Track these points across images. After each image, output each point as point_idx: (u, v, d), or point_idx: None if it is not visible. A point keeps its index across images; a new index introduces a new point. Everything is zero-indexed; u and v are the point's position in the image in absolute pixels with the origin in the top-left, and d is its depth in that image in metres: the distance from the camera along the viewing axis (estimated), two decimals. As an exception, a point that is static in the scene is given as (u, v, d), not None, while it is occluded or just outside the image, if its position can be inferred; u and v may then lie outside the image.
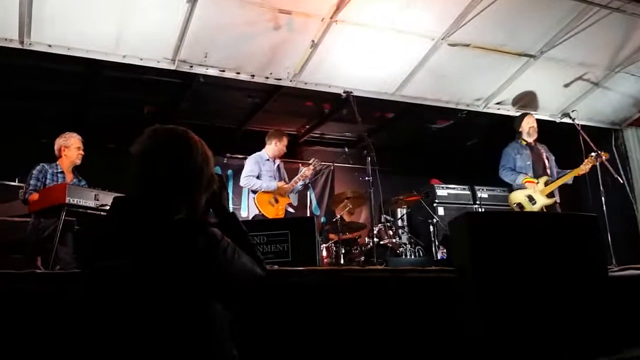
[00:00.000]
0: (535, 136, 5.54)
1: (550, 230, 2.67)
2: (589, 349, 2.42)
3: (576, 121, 5.31)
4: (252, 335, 2.01)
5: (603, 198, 5.03)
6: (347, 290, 2.53)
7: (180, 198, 1.67)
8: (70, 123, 6.50)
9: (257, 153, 5.88)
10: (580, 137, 5.21)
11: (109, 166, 6.84)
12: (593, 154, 5.11)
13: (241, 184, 5.71)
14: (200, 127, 7.22)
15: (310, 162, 5.96)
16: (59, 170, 4.79)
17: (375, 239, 5.34)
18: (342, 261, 5.75)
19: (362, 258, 5.80)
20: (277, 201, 5.63)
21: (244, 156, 7.85)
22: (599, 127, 7.12)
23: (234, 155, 7.81)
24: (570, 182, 5.26)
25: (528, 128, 5.53)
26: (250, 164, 5.74)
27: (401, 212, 6.86)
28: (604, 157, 5.15)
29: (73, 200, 4.03)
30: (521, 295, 2.43)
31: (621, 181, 5.00)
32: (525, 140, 5.55)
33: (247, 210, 5.87)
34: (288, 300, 2.36)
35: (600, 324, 2.52)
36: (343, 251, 5.83)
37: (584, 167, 5.07)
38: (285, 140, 5.90)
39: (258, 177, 5.67)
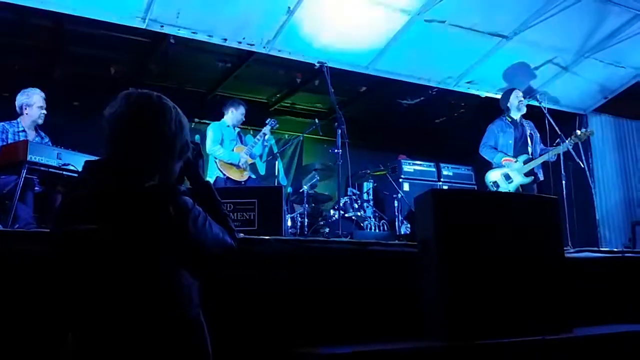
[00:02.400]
0: (524, 110, 5.59)
1: (511, 210, 2.73)
2: (541, 327, 2.50)
3: (542, 104, 5.39)
4: (219, 302, 2.02)
5: (564, 182, 5.15)
6: (313, 261, 2.55)
7: (153, 164, 1.64)
8: (35, 78, 6.30)
9: (217, 122, 6.00)
10: (546, 120, 5.30)
11: (73, 124, 6.72)
12: (578, 131, 5.20)
13: (207, 151, 5.73)
14: (169, 90, 7.12)
15: (266, 121, 6.04)
16: (20, 129, 4.65)
17: (341, 212, 5.38)
18: (307, 232, 5.78)
19: (327, 230, 5.84)
20: (240, 163, 5.73)
21: (212, 121, 7.78)
22: (564, 112, 7.26)
23: (202, 121, 7.69)
24: (554, 159, 5.33)
25: (517, 102, 5.57)
26: (214, 131, 5.84)
27: (367, 186, 6.91)
28: (589, 134, 5.27)
29: (35, 158, 3.91)
30: (480, 270, 2.50)
31: (582, 166, 5.12)
32: (511, 117, 5.60)
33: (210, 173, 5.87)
34: (254, 269, 2.37)
35: (554, 303, 2.61)
36: (308, 222, 5.86)
37: (567, 145, 5.14)
38: (242, 109, 5.98)
39: (221, 144, 5.76)
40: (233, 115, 5.93)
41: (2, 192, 4.17)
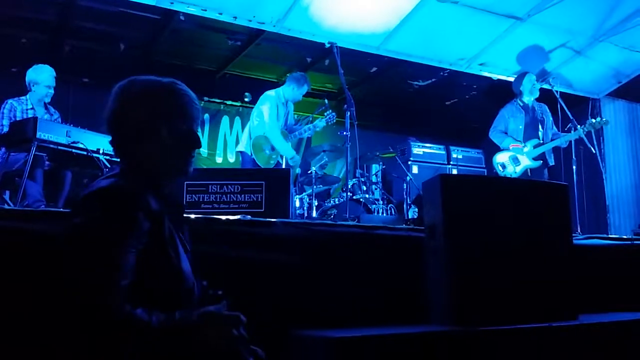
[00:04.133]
0: (537, 94, 5.55)
1: (520, 196, 2.71)
2: (547, 313, 2.50)
3: (555, 88, 5.33)
4: (224, 283, 2.03)
5: (574, 167, 5.11)
6: (319, 244, 2.55)
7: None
8: (44, 53, 6.29)
9: (274, 94, 5.48)
10: (559, 104, 5.24)
11: (82, 101, 6.73)
12: (593, 119, 5.15)
13: (267, 127, 5.29)
14: (178, 68, 7.17)
15: (326, 114, 5.65)
16: (29, 107, 4.64)
17: (349, 194, 5.37)
18: (314, 214, 5.78)
19: (335, 212, 5.84)
20: (272, 149, 5.37)
21: (222, 100, 7.76)
22: (576, 95, 7.18)
23: (211, 99, 7.68)
24: (565, 145, 5.29)
25: (530, 86, 5.53)
26: (270, 108, 5.33)
27: (376, 168, 6.89)
28: (603, 123, 5.23)
29: (44, 136, 3.92)
30: (487, 256, 2.49)
31: (593, 151, 5.08)
32: (523, 102, 5.56)
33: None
34: (260, 251, 2.37)
35: (560, 290, 2.60)
36: (316, 204, 5.86)
37: (580, 132, 5.09)
38: (305, 89, 5.53)
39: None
40: (293, 92, 5.47)
41: (11, 169, 4.20)
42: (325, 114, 5.66)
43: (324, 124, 5.65)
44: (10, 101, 4.62)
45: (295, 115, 5.78)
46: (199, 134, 1.63)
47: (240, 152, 5.56)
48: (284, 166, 5.42)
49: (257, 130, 5.35)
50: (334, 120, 5.69)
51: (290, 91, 5.50)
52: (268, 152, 5.38)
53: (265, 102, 5.38)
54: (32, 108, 4.65)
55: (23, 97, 4.68)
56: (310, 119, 5.67)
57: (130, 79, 1.62)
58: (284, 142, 5.37)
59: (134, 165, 1.57)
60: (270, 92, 5.51)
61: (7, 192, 4.46)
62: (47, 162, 4.32)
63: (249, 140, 5.40)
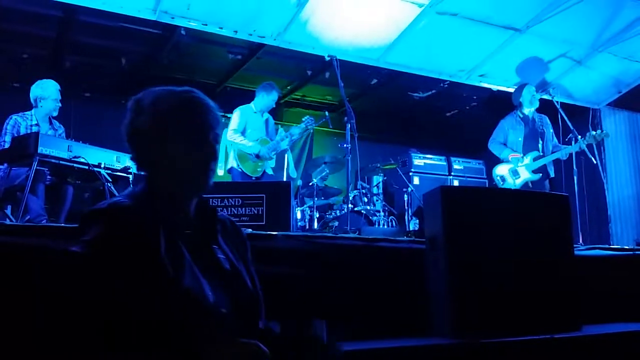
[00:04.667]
0: (537, 105, 5.54)
1: (521, 207, 2.71)
2: (550, 325, 2.49)
3: (555, 98, 5.34)
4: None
5: (575, 177, 5.11)
6: (321, 256, 2.55)
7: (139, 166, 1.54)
8: (45, 68, 6.34)
9: (245, 105, 5.73)
10: (559, 114, 5.25)
11: (83, 115, 6.76)
12: (594, 132, 5.16)
13: (227, 137, 5.54)
14: (179, 82, 7.03)
15: (303, 119, 5.73)
16: (34, 123, 4.64)
17: (350, 205, 5.37)
18: (315, 226, 5.78)
19: (336, 224, 5.84)
20: (257, 157, 5.52)
21: (222, 113, 7.76)
22: (577, 105, 7.19)
23: (212, 112, 7.69)
24: (565, 157, 5.29)
25: (530, 97, 5.53)
26: (238, 117, 5.60)
27: (377, 179, 6.90)
28: (604, 136, 5.23)
29: (45, 151, 3.93)
30: (488, 268, 2.48)
31: (594, 161, 5.07)
32: (523, 114, 5.55)
33: (224, 163, 5.70)
34: (261, 264, 2.37)
35: (563, 301, 2.59)
36: (317, 216, 5.85)
37: (581, 145, 5.09)
38: (274, 95, 5.71)
39: (243, 132, 5.56)
40: (263, 100, 5.65)
41: (13, 184, 4.21)
42: (303, 119, 5.73)
43: (300, 130, 5.72)
44: (14, 117, 4.62)
45: (313, 126, 5.80)
46: (217, 144, 1.53)
47: (229, 169, 5.67)
48: (270, 173, 5.65)
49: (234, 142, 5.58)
50: (314, 125, 5.76)
51: (260, 100, 5.68)
52: (253, 160, 5.52)
53: (234, 114, 5.64)
54: (36, 124, 4.65)
55: (28, 113, 4.68)
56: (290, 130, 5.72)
57: (145, 90, 1.56)
58: (247, 144, 5.50)
59: (150, 180, 1.52)
60: (241, 106, 5.72)
61: (9, 207, 4.47)
62: (48, 177, 4.32)
63: (234, 155, 5.54)
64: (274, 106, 5.85)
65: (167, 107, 1.49)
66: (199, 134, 1.50)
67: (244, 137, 5.54)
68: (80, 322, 1.28)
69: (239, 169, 5.48)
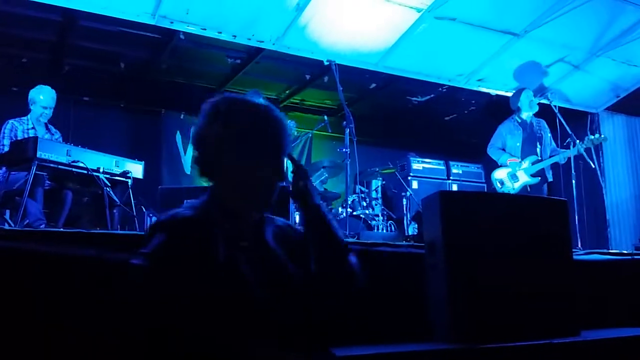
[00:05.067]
0: (536, 109, 5.55)
1: (520, 212, 2.71)
2: (549, 330, 2.49)
3: (553, 102, 5.35)
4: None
5: (574, 182, 5.12)
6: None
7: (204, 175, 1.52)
8: (44, 72, 6.35)
9: None
10: (557, 119, 5.26)
11: (83, 119, 6.77)
12: (592, 136, 5.17)
13: None
14: (178, 86, 7.21)
15: None
16: (30, 126, 4.67)
17: (349, 210, 5.37)
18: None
19: (335, 227, 5.82)
20: None
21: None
22: (575, 110, 7.21)
23: (211, 117, 7.70)
24: (564, 162, 5.30)
25: (528, 102, 5.53)
26: None
27: (376, 183, 6.90)
28: (602, 140, 5.24)
29: (44, 155, 3.93)
30: (487, 273, 2.48)
31: (593, 166, 5.09)
32: (521, 118, 5.56)
33: None
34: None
35: (562, 306, 2.59)
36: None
37: (579, 149, 5.09)
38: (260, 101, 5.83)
39: None
40: None
41: (12, 188, 4.21)
42: None
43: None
44: (11, 121, 4.64)
45: (296, 132, 5.84)
46: (284, 163, 1.52)
47: None
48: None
49: None
50: (294, 130, 5.77)
51: None
52: None
53: None
54: (32, 128, 4.68)
55: (24, 117, 4.71)
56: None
57: (223, 96, 1.55)
58: None
59: (213, 191, 1.50)
60: None
61: (7, 211, 4.47)
62: (47, 182, 4.33)
63: None
64: None
65: (243, 119, 1.46)
66: (270, 150, 1.48)
67: None
68: (142, 331, 1.30)
69: None
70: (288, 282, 1.46)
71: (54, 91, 4.81)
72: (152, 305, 1.27)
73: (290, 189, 1.57)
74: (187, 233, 1.35)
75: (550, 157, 5.40)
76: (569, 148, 5.18)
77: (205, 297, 1.28)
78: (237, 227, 1.46)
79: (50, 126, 4.86)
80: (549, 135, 5.58)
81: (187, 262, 1.30)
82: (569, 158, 5.20)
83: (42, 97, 4.74)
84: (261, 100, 1.54)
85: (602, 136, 5.29)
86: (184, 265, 1.30)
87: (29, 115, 4.73)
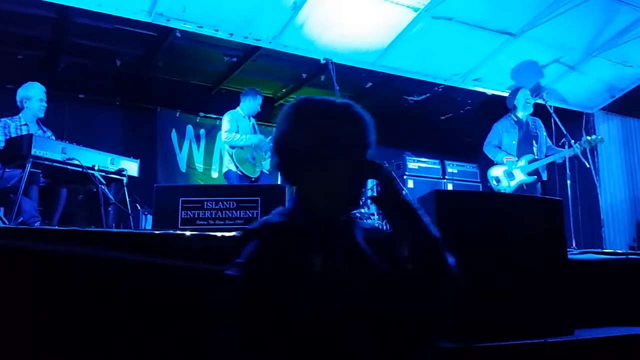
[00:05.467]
0: (531, 109, 5.56)
1: (515, 211, 2.72)
2: (543, 329, 2.50)
3: (548, 103, 5.37)
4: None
5: (569, 181, 5.13)
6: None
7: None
8: (39, 69, 6.32)
9: (232, 110, 5.86)
10: (552, 119, 5.28)
11: (78, 117, 6.74)
12: (589, 137, 5.18)
13: (223, 139, 5.71)
14: (174, 84, 7.19)
15: None
16: (22, 123, 4.65)
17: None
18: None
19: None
20: (254, 158, 5.67)
21: (218, 116, 7.78)
22: (570, 110, 7.23)
23: (207, 115, 7.69)
24: (560, 161, 5.31)
25: (524, 101, 5.54)
26: (228, 120, 5.73)
27: (371, 182, 6.87)
28: (599, 141, 5.26)
29: (39, 153, 3.92)
30: (482, 272, 2.49)
31: (587, 165, 5.10)
32: (517, 117, 5.57)
33: (219, 166, 5.64)
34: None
35: (556, 306, 2.60)
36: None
37: (576, 149, 5.10)
38: (259, 99, 5.92)
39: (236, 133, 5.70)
40: (249, 104, 5.84)
41: (6, 185, 4.19)
42: None
43: None
44: (3, 119, 4.62)
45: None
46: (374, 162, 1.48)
47: (225, 173, 5.78)
48: (267, 172, 5.77)
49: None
50: None
51: (247, 105, 5.85)
52: (251, 161, 5.65)
53: (224, 118, 5.78)
54: (25, 125, 4.65)
55: (16, 116, 4.69)
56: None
57: (303, 98, 1.52)
58: (243, 137, 5.64)
59: (302, 196, 1.46)
60: (229, 111, 5.86)
61: (2, 209, 4.45)
62: (41, 179, 4.31)
63: (230, 159, 5.64)
64: (260, 110, 6.00)
65: (330, 123, 1.43)
66: (359, 151, 1.46)
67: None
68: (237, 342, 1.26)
69: (238, 172, 5.58)
70: (384, 283, 1.40)
71: (42, 86, 4.81)
72: (249, 315, 1.24)
73: (376, 190, 1.50)
74: (280, 240, 1.33)
75: (546, 155, 5.42)
76: (564, 148, 5.19)
77: (302, 306, 1.25)
78: (327, 230, 1.42)
79: (42, 125, 4.84)
80: (545, 134, 5.60)
81: (282, 270, 1.27)
82: (565, 158, 5.22)
83: (36, 90, 4.73)
84: (341, 100, 1.51)
85: (600, 137, 5.30)
86: (278, 273, 1.26)
87: (20, 114, 4.70)
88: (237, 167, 5.59)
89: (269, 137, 5.68)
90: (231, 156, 5.63)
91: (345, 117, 1.46)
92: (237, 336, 1.24)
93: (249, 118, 5.90)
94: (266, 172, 5.82)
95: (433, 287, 1.41)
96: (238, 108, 5.89)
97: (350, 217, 1.54)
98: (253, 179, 5.66)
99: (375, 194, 1.49)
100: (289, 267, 1.28)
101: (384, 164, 1.50)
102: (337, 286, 1.32)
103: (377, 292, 1.36)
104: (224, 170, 5.76)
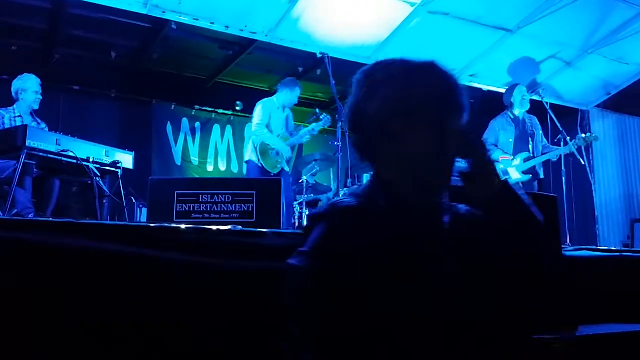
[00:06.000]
0: (528, 106, 5.56)
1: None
2: (535, 325, 2.50)
3: (544, 99, 5.37)
4: (215, 295, 2.02)
5: (564, 178, 5.15)
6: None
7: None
8: (34, 60, 6.28)
9: (268, 99, 5.68)
10: (548, 115, 5.29)
11: (72, 108, 6.71)
12: (583, 135, 5.19)
13: (253, 131, 5.51)
14: (169, 76, 7.17)
15: (321, 117, 5.69)
16: (17, 115, 4.64)
17: (340, 203, 5.36)
18: (305, 223, 5.78)
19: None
20: (277, 154, 5.52)
21: (212, 109, 7.77)
22: (566, 107, 7.24)
23: (203, 108, 7.67)
24: (555, 159, 5.32)
25: (521, 98, 5.54)
26: (261, 109, 5.51)
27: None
28: (593, 139, 5.27)
29: (33, 144, 3.90)
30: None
31: (583, 163, 5.12)
32: (514, 114, 5.57)
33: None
34: (252, 261, 2.36)
35: (548, 302, 2.60)
36: (307, 213, 5.85)
37: (571, 147, 5.12)
38: (298, 91, 5.69)
39: (267, 126, 5.52)
40: (287, 95, 5.61)
41: (1, 177, 4.17)
42: (321, 117, 5.70)
43: (321, 127, 5.70)
44: None
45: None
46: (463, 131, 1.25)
47: (246, 161, 5.64)
48: (288, 170, 5.67)
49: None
50: (329, 123, 5.74)
51: (284, 96, 5.62)
52: (274, 157, 5.49)
53: (257, 107, 5.55)
54: (20, 116, 4.64)
55: (10, 107, 4.68)
56: (309, 125, 5.73)
57: (377, 62, 1.29)
58: (274, 138, 5.48)
59: (379, 174, 1.25)
60: (263, 99, 5.65)
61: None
62: (35, 170, 4.29)
63: (253, 148, 5.49)
64: (297, 103, 5.80)
65: (407, 86, 1.21)
66: (446, 117, 1.22)
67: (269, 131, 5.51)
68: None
69: (259, 164, 5.42)
70: (477, 274, 1.21)
71: (37, 78, 4.79)
72: (318, 310, 1.09)
73: (468, 164, 1.27)
74: (351, 223, 1.13)
75: (542, 154, 5.42)
76: (560, 145, 5.20)
77: (375, 298, 1.08)
78: (410, 215, 1.21)
79: (36, 117, 4.82)
80: (541, 132, 5.61)
81: (352, 260, 1.09)
82: (560, 155, 5.23)
83: (32, 82, 4.72)
84: (422, 59, 1.27)
85: (594, 135, 5.32)
86: (348, 263, 1.09)
87: (15, 106, 4.69)
88: (258, 159, 5.41)
89: (292, 140, 5.63)
90: (256, 147, 5.44)
91: (425, 78, 1.23)
92: (307, 332, 1.10)
93: (284, 109, 5.69)
94: (287, 170, 5.69)
95: (535, 281, 1.24)
96: (273, 97, 5.69)
97: (439, 201, 1.29)
98: (273, 175, 5.47)
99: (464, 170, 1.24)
100: (355, 256, 1.09)
101: (475, 134, 1.28)
102: (424, 278, 1.14)
103: (470, 283, 1.19)
104: (246, 158, 5.61)
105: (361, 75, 1.28)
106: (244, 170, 5.97)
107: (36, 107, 4.73)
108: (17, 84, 4.72)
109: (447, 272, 1.20)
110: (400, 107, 1.19)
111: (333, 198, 1.32)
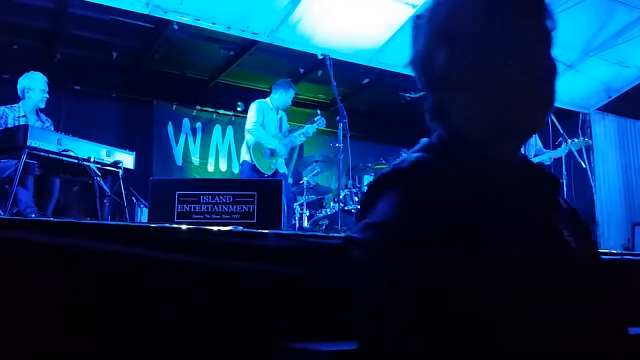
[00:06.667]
0: None
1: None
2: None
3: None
4: (214, 296, 2.00)
5: (564, 181, 5.15)
6: (311, 256, 2.54)
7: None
8: (36, 60, 6.28)
9: (262, 100, 5.64)
10: (549, 118, 5.28)
11: (73, 108, 6.72)
12: (576, 139, 5.20)
13: (247, 130, 5.44)
14: (170, 77, 7.17)
15: (315, 119, 5.63)
16: (21, 114, 4.63)
17: (341, 204, 5.37)
18: (306, 224, 5.77)
19: (327, 222, 5.83)
20: (272, 154, 5.48)
21: (214, 109, 7.77)
22: (567, 110, 7.24)
23: (203, 108, 7.67)
24: (549, 162, 5.32)
25: None
26: (255, 110, 5.46)
27: (368, 179, 6.90)
28: (584, 144, 5.27)
29: (35, 144, 3.90)
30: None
31: (583, 165, 5.12)
32: None
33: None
34: (252, 262, 2.36)
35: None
36: (308, 214, 5.85)
37: (563, 150, 5.12)
38: (292, 93, 5.66)
39: (262, 126, 5.47)
40: (280, 97, 5.57)
41: (1, 176, 4.17)
42: (315, 119, 5.65)
43: (315, 129, 5.65)
44: (2, 108, 4.60)
45: (289, 126, 5.84)
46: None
47: (241, 163, 5.61)
48: (288, 173, 5.63)
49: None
50: (324, 125, 5.68)
51: (278, 98, 5.60)
52: (267, 157, 5.45)
53: (251, 107, 5.52)
54: (24, 116, 4.63)
55: (15, 105, 4.66)
56: (304, 127, 5.68)
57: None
58: (269, 137, 5.43)
59: (452, 121, 1.02)
60: (257, 100, 5.62)
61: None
62: (36, 169, 4.29)
63: (247, 149, 5.45)
64: (290, 104, 5.79)
65: (478, 9, 0.95)
66: (535, 33, 0.96)
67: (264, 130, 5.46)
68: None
69: (252, 164, 5.37)
70: (583, 268, 0.96)
71: (44, 76, 4.77)
72: (390, 298, 0.85)
73: None
74: (432, 187, 0.88)
75: (535, 156, 5.43)
76: (561, 147, 5.21)
77: (468, 280, 0.82)
78: (495, 171, 0.96)
79: (41, 114, 4.82)
80: (535, 135, 5.61)
81: (434, 233, 0.83)
82: (561, 158, 5.23)
83: (39, 81, 4.71)
84: None
85: (585, 139, 5.34)
86: (431, 238, 0.83)
87: (20, 104, 4.67)
88: (252, 160, 5.36)
89: (287, 140, 5.57)
90: (249, 147, 5.39)
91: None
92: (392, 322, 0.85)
93: (277, 111, 5.66)
94: (282, 171, 5.61)
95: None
96: (267, 98, 5.66)
97: (526, 156, 1.09)
98: (266, 175, 5.40)
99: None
100: (440, 228, 0.83)
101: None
102: (507, 255, 0.85)
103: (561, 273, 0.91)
104: (240, 160, 5.58)
105: (423, 13, 1.03)
106: (239, 171, 5.93)
107: (42, 105, 4.72)
108: (23, 82, 4.69)
109: (560, 243, 0.94)
110: (474, 36, 0.95)
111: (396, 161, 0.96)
